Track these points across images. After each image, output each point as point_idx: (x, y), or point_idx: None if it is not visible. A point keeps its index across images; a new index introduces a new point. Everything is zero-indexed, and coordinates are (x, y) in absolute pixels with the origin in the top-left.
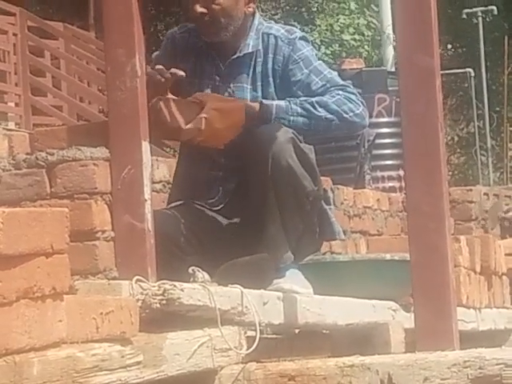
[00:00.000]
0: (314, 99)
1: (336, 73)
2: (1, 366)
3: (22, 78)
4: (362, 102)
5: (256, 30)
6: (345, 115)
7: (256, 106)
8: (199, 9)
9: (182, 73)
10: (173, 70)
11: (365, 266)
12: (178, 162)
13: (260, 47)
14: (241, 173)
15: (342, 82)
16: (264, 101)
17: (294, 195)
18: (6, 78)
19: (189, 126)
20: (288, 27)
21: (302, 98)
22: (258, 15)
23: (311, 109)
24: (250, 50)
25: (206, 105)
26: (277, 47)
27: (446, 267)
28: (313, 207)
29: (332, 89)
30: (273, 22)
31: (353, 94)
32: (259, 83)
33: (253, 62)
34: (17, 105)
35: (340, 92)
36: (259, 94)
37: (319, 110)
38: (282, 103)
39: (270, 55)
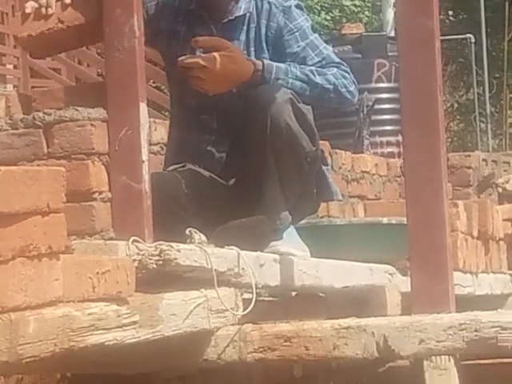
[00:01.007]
0: (312, 67)
1: (331, 49)
2: None
3: None
4: (354, 82)
5: None
6: (340, 88)
7: (259, 63)
8: None
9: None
10: None
11: (362, 230)
12: (170, 127)
13: (253, 11)
14: (233, 136)
15: (337, 60)
16: (265, 60)
17: (293, 155)
18: (4, 40)
19: (197, 59)
20: None
21: (305, 67)
22: None
23: (310, 75)
24: (241, 13)
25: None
26: (270, 13)
27: (443, 231)
28: (311, 168)
29: (327, 66)
30: None
31: (347, 72)
32: (252, 48)
33: (245, 27)
34: (15, 67)
35: (335, 69)
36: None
37: (317, 77)
38: (282, 65)
39: (264, 21)
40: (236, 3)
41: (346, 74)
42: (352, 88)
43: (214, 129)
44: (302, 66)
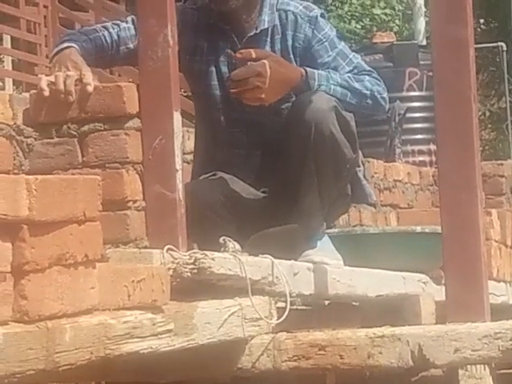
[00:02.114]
0: (350, 74)
1: (359, 57)
2: (34, 332)
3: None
4: (385, 89)
5: (270, 5)
6: (376, 95)
7: (302, 69)
8: None
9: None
10: (85, 81)
11: (395, 239)
12: (196, 142)
13: (277, 23)
14: (265, 147)
15: (368, 68)
16: (306, 68)
17: (335, 164)
18: (36, 49)
19: (250, 67)
20: (305, 3)
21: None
22: None
23: (349, 81)
24: (265, 26)
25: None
26: (297, 24)
27: (478, 240)
28: (349, 174)
29: (359, 74)
30: None
31: (378, 79)
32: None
33: (269, 39)
34: (48, 75)
35: (367, 77)
36: None
37: (356, 83)
38: (322, 72)
39: (290, 32)
40: (259, 16)
41: (379, 82)
42: (385, 95)
43: (245, 143)
44: (341, 73)
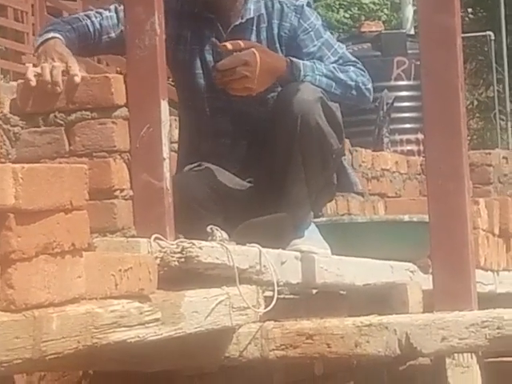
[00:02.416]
0: (334, 65)
1: (344, 47)
2: (20, 321)
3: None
4: (370, 80)
5: None
6: (361, 85)
7: (287, 59)
8: None
9: (78, 80)
10: (72, 72)
11: (383, 228)
12: (180, 132)
13: (263, 12)
14: (250, 136)
15: (353, 58)
16: (291, 58)
17: (321, 154)
18: (24, 38)
19: (237, 56)
20: None
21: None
22: None
23: (335, 71)
24: (251, 15)
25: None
26: (283, 13)
27: (465, 229)
28: (335, 164)
29: (344, 64)
30: None
31: (363, 70)
32: (282, 48)
33: (255, 28)
34: (34, 66)
35: (352, 67)
36: None
37: (341, 74)
38: (308, 62)
39: (276, 21)
40: (245, 4)
41: (363, 72)
42: (370, 86)
43: (230, 132)
44: (326, 63)
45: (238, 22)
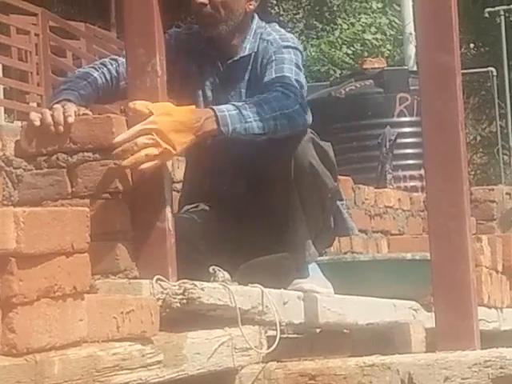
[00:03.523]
0: (257, 98)
1: (301, 77)
2: (22, 365)
3: (43, 78)
4: (300, 103)
5: (254, 34)
6: (285, 111)
7: (213, 120)
8: None
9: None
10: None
11: (386, 266)
12: (185, 170)
13: (256, 50)
14: (249, 176)
15: (289, 82)
16: (217, 111)
17: (317, 193)
18: (28, 78)
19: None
20: (287, 35)
21: (248, 100)
22: (256, 19)
23: (260, 111)
24: (246, 53)
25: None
26: (265, 51)
27: (467, 266)
28: (332, 204)
29: (276, 85)
30: (276, 26)
31: (292, 92)
32: (255, 88)
33: (250, 66)
34: (39, 105)
35: (280, 88)
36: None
37: (265, 108)
38: (233, 112)
39: (260, 59)
40: (242, 43)
41: (291, 95)
42: (296, 107)
43: (228, 172)
44: (249, 103)
45: (231, 60)
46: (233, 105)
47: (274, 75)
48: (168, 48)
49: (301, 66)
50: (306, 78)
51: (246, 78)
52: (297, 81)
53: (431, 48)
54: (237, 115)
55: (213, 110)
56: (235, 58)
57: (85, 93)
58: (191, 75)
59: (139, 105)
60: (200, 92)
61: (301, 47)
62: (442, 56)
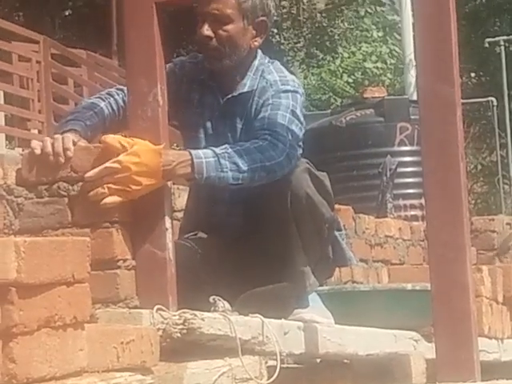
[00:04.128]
0: (239, 147)
1: (294, 124)
2: None
3: (45, 105)
4: (287, 153)
5: (255, 70)
6: (267, 163)
7: (187, 165)
8: (206, 32)
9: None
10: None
11: (386, 296)
12: (188, 197)
13: (255, 88)
14: (246, 205)
15: (278, 130)
16: (195, 156)
17: (314, 223)
18: (29, 105)
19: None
20: (288, 77)
21: (229, 148)
22: (260, 55)
23: (239, 162)
24: (245, 90)
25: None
26: (263, 90)
27: (467, 297)
28: (329, 233)
29: (265, 132)
30: (278, 64)
31: (281, 142)
32: (249, 125)
33: (248, 104)
34: (40, 132)
35: (268, 137)
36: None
37: (245, 159)
38: (211, 159)
39: (256, 98)
40: (242, 79)
41: (279, 144)
42: (280, 159)
43: (226, 199)
44: (229, 151)
45: (231, 95)
46: (213, 151)
47: (266, 120)
48: (173, 76)
49: (297, 112)
50: (306, 108)
51: (243, 114)
52: (288, 129)
53: (431, 79)
54: (214, 163)
55: (190, 154)
56: (234, 94)
57: (91, 123)
58: (193, 104)
59: (111, 139)
60: (200, 121)
61: (301, 90)
62: (443, 88)
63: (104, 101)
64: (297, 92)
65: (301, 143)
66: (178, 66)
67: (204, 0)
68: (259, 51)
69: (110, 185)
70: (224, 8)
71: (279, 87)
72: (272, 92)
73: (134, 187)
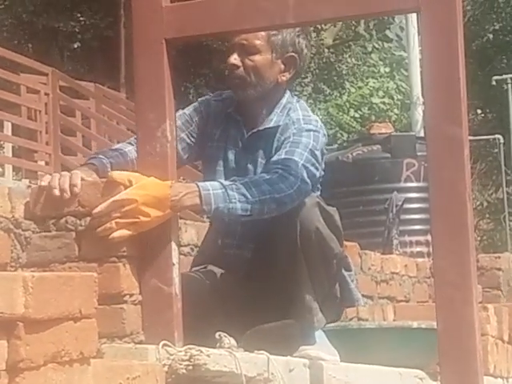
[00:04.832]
0: (247, 179)
1: (311, 162)
2: None
3: (52, 137)
4: (299, 186)
5: (283, 108)
6: (276, 195)
7: (195, 196)
8: (233, 60)
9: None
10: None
11: (392, 334)
12: (207, 231)
13: (280, 124)
14: (257, 240)
15: (292, 165)
16: (202, 188)
17: (323, 258)
18: (37, 136)
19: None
20: (312, 117)
21: (237, 181)
22: (288, 93)
23: (247, 194)
24: (270, 125)
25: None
26: (286, 127)
27: (473, 337)
28: (337, 269)
29: (278, 166)
30: (304, 104)
31: (292, 175)
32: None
33: (271, 139)
34: (47, 163)
35: (279, 170)
36: None
37: (254, 190)
38: (219, 191)
39: (278, 135)
40: (269, 115)
41: (290, 177)
42: (291, 191)
43: (238, 233)
44: (238, 183)
45: (256, 129)
46: (220, 183)
47: (282, 156)
48: (198, 115)
49: (316, 152)
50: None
51: (266, 150)
52: (304, 167)
53: (439, 119)
54: (222, 194)
55: (197, 186)
56: (260, 128)
57: (114, 161)
58: (214, 137)
59: (118, 174)
60: (221, 154)
61: (323, 130)
62: (451, 127)
63: (131, 145)
64: (318, 132)
65: (318, 185)
66: (203, 105)
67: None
68: (288, 91)
69: (118, 219)
70: (253, 39)
71: (301, 125)
72: (294, 130)
73: (142, 218)
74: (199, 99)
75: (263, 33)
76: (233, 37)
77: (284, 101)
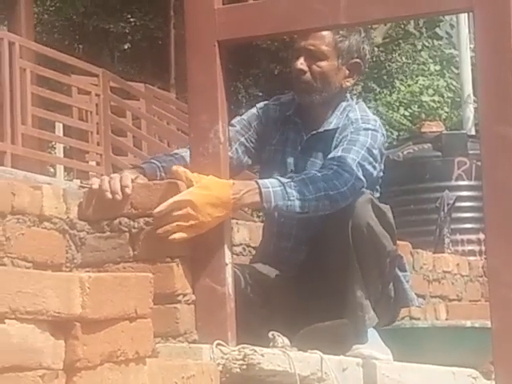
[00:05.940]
0: (304, 176)
1: (368, 161)
2: None
3: (103, 138)
4: (353, 183)
5: (343, 110)
6: (330, 192)
7: (255, 193)
8: (300, 65)
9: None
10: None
11: (445, 333)
12: (262, 233)
13: (340, 126)
14: (311, 242)
15: (347, 162)
16: (262, 186)
17: (375, 255)
18: (88, 137)
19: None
20: (371, 117)
21: (294, 177)
22: (348, 96)
23: (305, 191)
24: (330, 128)
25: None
26: (345, 128)
27: None
28: (391, 268)
29: (334, 163)
30: (363, 105)
31: (347, 172)
32: None
33: (330, 141)
34: (98, 164)
35: (334, 167)
36: None
37: (310, 188)
38: (278, 188)
39: (337, 135)
40: (329, 117)
41: (345, 174)
42: (344, 188)
43: (292, 236)
44: (296, 180)
45: (316, 132)
46: (278, 180)
47: (339, 154)
48: (256, 120)
49: (374, 151)
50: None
51: (326, 151)
52: (360, 165)
53: (492, 119)
54: (281, 192)
55: (257, 183)
56: (320, 130)
57: (167, 165)
58: (272, 141)
59: (182, 171)
60: (279, 158)
61: (382, 130)
62: (505, 128)
63: (184, 152)
64: (377, 131)
65: (377, 186)
66: (261, 110)
67: (301, 36)
68: (348, 94)
69: (179, 222)
70: (320, 44)
71: (359, 125)
72: (352, 129)
73: (202, 219)
74: (257, 104)
75: (330, 39)
76: (299, 41)
77: (344, 104)
